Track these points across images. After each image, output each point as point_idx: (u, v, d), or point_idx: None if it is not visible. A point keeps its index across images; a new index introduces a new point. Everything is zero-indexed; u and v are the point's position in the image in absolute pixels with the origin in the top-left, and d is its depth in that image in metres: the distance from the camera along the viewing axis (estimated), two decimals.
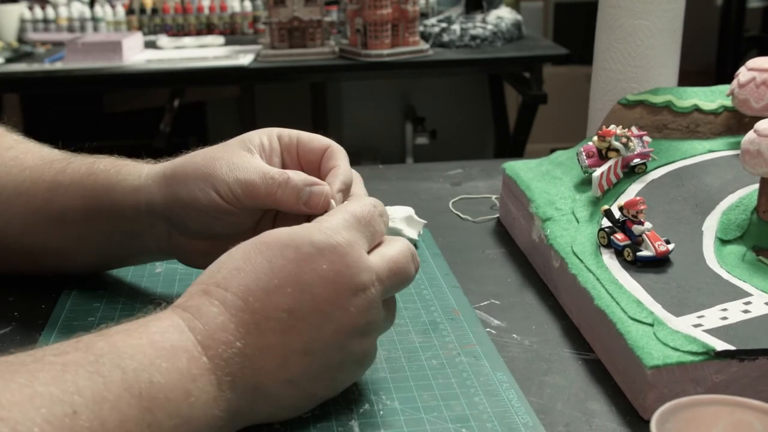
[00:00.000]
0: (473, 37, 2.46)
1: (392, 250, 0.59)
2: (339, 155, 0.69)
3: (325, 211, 0.63)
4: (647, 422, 0.45)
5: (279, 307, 0.54)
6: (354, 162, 0.71)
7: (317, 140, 0.70)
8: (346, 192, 0.67)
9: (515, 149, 2.71)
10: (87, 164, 0.72)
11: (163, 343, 0.51)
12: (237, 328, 0.53)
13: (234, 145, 0.68)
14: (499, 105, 3.18)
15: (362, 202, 0.61)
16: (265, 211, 0.69)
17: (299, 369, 0.55)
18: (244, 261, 0.55)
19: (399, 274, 0.59)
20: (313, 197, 0.64)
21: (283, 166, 0.69)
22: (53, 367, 0.47)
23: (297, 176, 0.65)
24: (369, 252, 0.58)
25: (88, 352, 0.49)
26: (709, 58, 3.56)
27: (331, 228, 0.57)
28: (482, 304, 0.75)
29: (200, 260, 0.67)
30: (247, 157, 0.66)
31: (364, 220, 0.59)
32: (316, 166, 0.69)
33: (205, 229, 0.67)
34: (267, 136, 0.69)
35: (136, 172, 0.70)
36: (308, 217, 0.63)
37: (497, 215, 0.97)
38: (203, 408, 0.51)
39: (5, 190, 0.73)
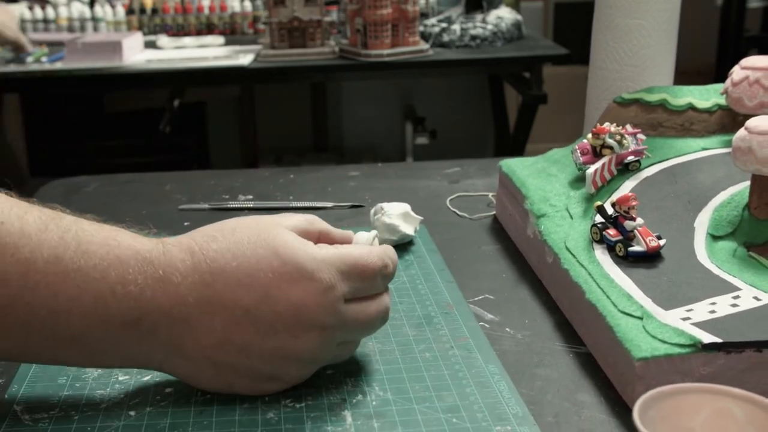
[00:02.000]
0: (473, 37, 2.47)
1: (374, 306, 0.61)
2: None
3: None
4: None
5: (240, 301, 0.56)
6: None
7: None
8: None
9: (515, 149, 2.71)
10: None
11: (113, 249, 0.56)
12: (190, 290, 0.56)
13: None
14: (499, 105, 3.19)
15: (374, 253, 0.61)
16: None
17: (227, 359, 0.57)
18: (236, 245, 0.57)
19: (367, 328, 0.62)
20: None
21: None
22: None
23: None
24: (350, 300, 0.59)
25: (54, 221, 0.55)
26: (709, 58, 3.56)
27: (325, 262, 0.58)
28: (477, 298, 0.76)
29: None
30: None
31: (362, 273, 0.59)
32: None
33: None
34: None
35: None
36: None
37: (494, 212, 0.97)
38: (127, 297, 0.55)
39: None
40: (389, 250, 0.63)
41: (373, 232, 0.66)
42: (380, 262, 0.61)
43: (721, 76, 3.57)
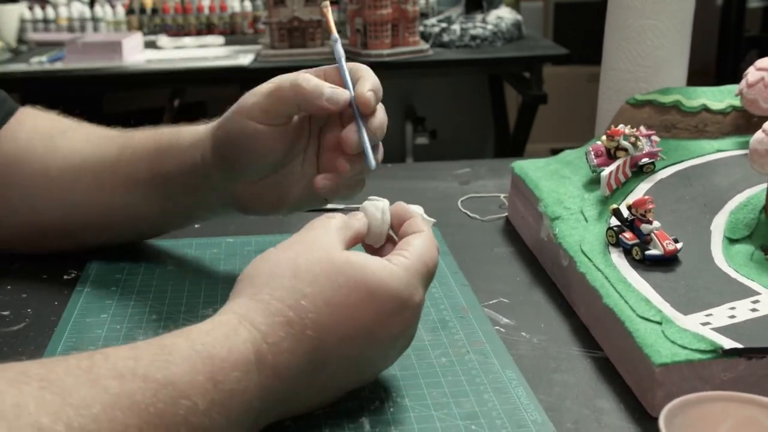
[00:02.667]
0: (473, 37, 2.47)
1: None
2: (362, 73, 0.69)
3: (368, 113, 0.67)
4: (656, 420, 0.45)
5: (349, 354, 0.56)
6: None
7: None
8: (377, 93, 0.68)
9: (515, 149, 2.71)
10: (150, 133, 0.78)
11: (223, 386, 0.50)
12: (302, 364, 0.54)
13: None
14: (499, 105, 3.18)
15: (432, 244, 0.61)
16: (304, 139, 0.72)
17: (325, 397, 0.58)
18: (328, 293, 0.55)
19: None
20: (336, 95, 0.67)
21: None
22: (105, 396, 0.46)
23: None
24: None
25: (147, 383, 0.47)
26: (709, 57, 3.56)
27: (413, 285, 0.57)
28: (491, 302, 0.76)
29: (257, 203, 0.73)
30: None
31: (432, 270, 0.60)
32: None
33: (251, 166, 0.70)
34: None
35: (193, 131, 0.74)
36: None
37: (506, 214, 0.97)
38: None
39: (73, 158, 0.79)
40: (426, 224, 0.63)
41: (384, 203, 0.64)
42: (437, 249, 0.61)
43: (721, 76, 3.54)
